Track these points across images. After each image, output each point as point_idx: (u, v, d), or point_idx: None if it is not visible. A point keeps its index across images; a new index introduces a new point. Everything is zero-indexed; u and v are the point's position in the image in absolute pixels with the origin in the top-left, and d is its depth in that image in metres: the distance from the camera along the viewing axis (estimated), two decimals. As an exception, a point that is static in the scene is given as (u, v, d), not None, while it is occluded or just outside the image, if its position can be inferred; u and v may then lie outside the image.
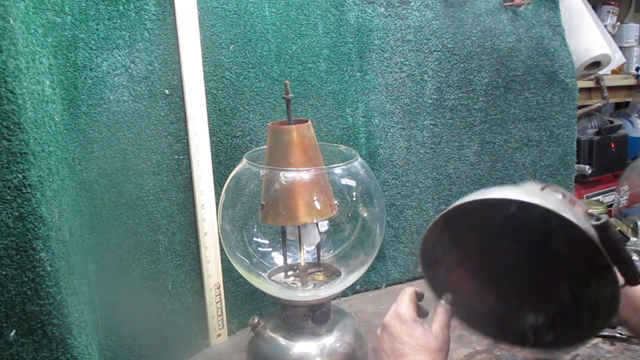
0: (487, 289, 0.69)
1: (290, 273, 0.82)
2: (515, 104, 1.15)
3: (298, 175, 0.72)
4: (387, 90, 1.06)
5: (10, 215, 0.51)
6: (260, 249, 0.82)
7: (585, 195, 1.51)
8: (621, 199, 1.21)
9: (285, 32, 0.93)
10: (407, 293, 0.67)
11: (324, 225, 0.78)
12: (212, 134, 0.86)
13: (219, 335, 0.91)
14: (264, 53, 0.91)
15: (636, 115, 1.80)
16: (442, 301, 0.66)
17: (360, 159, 0.77)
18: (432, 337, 0.62)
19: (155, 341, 0.83)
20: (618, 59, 1.62)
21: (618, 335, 0.88)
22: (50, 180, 0.57)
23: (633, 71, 1.71)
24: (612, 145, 1.59)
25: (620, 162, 1.60)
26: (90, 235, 0.73)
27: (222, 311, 0.90)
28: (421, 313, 0.66)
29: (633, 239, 1.18)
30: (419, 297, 0.68)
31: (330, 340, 0.76)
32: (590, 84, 1.47)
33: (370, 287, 1.08)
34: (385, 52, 1.04)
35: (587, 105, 1.48)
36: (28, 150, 0.52)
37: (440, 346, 0.62)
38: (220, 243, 0.85)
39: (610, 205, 1.38)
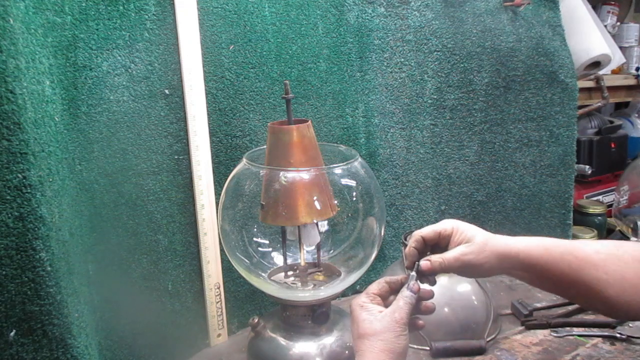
0: None
1: (290, 273, 0.82)
2: (515, 104, 1.15)
3: (298, 175, 0.71)
4: (387, 90, 1.06)
5: (10, 215, 0.51)
6: (260, 249, 0.82)
7: (585, 195, 1.51)
8: (621, 199, 1.21)
9: (285, 32, 0.93)
10: (375, 282, 0.65)
11: (324, 225, 0.78)
12: (212, 134, 0.86)
13: (219, 335, 0.91)
14: (264, 53, 0.91)
15: (636, 115, 1.80)
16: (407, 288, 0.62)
17: (360, 159, 0.77)
18: (371, 323, 0.59)
19: (155, 341, 0.83)
20: (618, 59, 1.61)
21: (618, 335, 0.88)
22: (50, 180, 0.57)
23: (633, 71, 1.71)
24: (612, 145, 1.59)
25: (620, 162, 1.60)
26: (90, 235, 0.73)
27: (222, 311, 0.90)
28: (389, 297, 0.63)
29: (633, 238, 1.18)
30: (390, 283, 0.64)
31: (330, 340, 0.76)
32: (590, 84, 1.47)
33: (370, 287, 1.08)
34: (385, 52, 1.04)
35: (587, 105, 1.48)
36: (28, 150, 0.52)
37: (378, 330, 0.58)
38: (220, 243, 0.85)
39: (610, 205, 1.38)
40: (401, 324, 0.58)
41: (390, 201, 1.10)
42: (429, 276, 0.64)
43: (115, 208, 0.77)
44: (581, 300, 0.62)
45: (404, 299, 0.60)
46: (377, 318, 0.59)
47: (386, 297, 0.63)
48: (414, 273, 0.62)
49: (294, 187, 0.71)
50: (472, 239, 0.62)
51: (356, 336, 0.59)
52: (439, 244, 0.65)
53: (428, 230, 0.65)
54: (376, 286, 0.63)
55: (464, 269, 0.62)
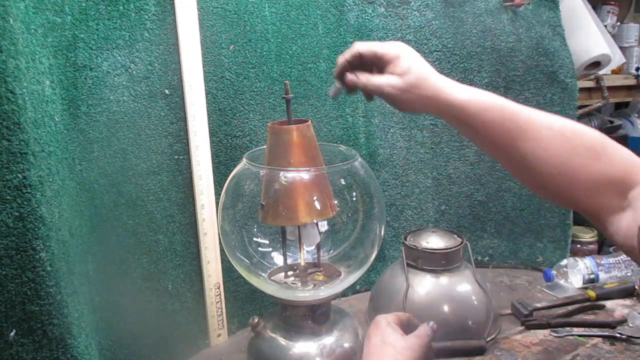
0: None
1: (290, 273, 0.82)
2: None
3: (298, 175, 0.71)
4: (387, 90, 1.06)
5: (10, 215, 0.51)
6: (260, 249, 0.82)
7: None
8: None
9: (285, 32, 0.93)
10: (405, 314, 0.69)
11: (324, 225, 0.78)
12: (212, 134, 0.86)
13: (219, 335, 0.91)
14: (264, 53, 0.91)
15: (636, 115, 1.80)
16: None
17: (360, 159, 0.77)
18: (397, 338, 0.62)
19: (155, 341, 0.83)
20: (618, 59, 1.61)
21: (618, 335, 0.88)
22: (50, 180, 0.57)
23: (633, 71, 1.71)
24: (612, 145, 1.58)
25: (620, 162, 1.59)
26: (90, 235, 0.73)
27: (222, 311, 0.90)
28: (406, 330, 0.66)
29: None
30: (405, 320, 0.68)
31: (330, 340, 0.76)
32: (590, 84, 1.47)
33: (370, 287, 1.08)
34: (385, 52, 1.04)
35: (587, 105, 1.48)
36: (28, 150, 0.52)
37: (403, 346, 0.62)
38: (220, 243, 0.85)
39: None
40: (423, 348, 0.62)
41: (390, 201, 1.10)
42: (366, 94, 0.65)
43: (115, 208, 0.77)
44: (511, 168, 0.59)
45: (425, 329, 0.64)
46: (403, 337, 0.63)
47: (406, 331, 0.65)
48: (337, 82, 0.65)
49: (294, 187, 0.71)
50: (404, 74, 0.60)
51: (379, 343, 0.62)
52: (378, 66, 0.63)
53: (368, 48, 0.63)
54: (405, 317, 0.67)
55: (386, 100, 0.62)
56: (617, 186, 0.54)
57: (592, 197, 0.54)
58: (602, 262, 1.06)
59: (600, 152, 0.54)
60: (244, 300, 0.95)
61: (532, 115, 0.57)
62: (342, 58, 0.65)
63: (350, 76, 0.63)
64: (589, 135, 0.56)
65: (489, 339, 0.87)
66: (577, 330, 0.91)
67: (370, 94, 0.64)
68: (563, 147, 0.55)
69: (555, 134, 0.56)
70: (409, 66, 0.60)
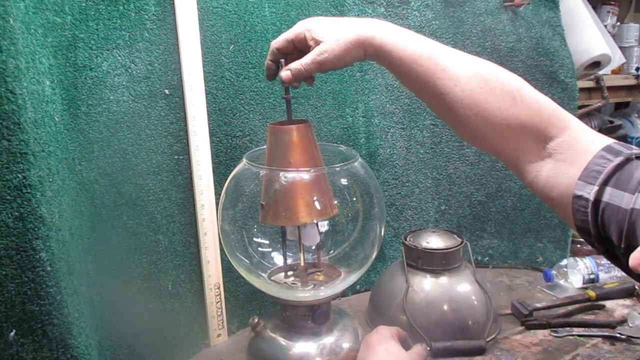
0: None
1: (290, 273, 0.82)
2: (515, 104, 1.14)
3: (298, 175, 0.71)
4: (387, 90, 1.06)
5: (10, 215, 0.51)
6: (260, 249, 0.82)
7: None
8: (621, 199, 1.21)
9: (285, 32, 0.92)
10: (395, 327, 0.73)
11: (324, 225, 0.78)
12: (212, 134, 0.86)
13: (219, 335, 0.91)
14: (264, 53, 0.90)
15: (636, 115, 1.80)
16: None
17: (360, 159, 0.77)
18: (405, 353, 0.68)
19: (155, 341, 0.83)
20: (618, 59, 1.61)
21: (618, 335, 0.88)
22: (50, 180, 0.57)
23: (633, 71, 1.71)
24: (612, 146, 1.58)
25: (620, 162, 1.59)
26: (90, 235, 0.73)
27: (222, 311, 0.90)
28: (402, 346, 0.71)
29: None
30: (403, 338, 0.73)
31: (330, 340, 0.76)
32: (590, 84, 1.47)
33: (370, 287, 1.08)
34: (385, 52, 1.04)
35: (587, 105, 1.47)
36: (28, 150, 0.52)
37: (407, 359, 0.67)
38: (220, 243, 0.85)
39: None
40: None
41: (390, 201, 1.10)
42: (303, 81, 0.66)
43: (115, 208, 0.77)
44: (434, 108, 0.61)
45: (421, 349, 0.71)
46: (406, 352, 0.69)
47: (402, 346, 0.71)
48: (285, 84, 0.65)
49: (294, 187, 0.71)
50: (324, 38, 0.62)
51: (383, 352, 0.67)
52: (302, 50, 0.65)
53: (280, 40, 0.65)
54: (404, 334, 0.74)
55: (327, 66, 0.62)
56: (533, 134, 0.54)
57: (509, 142, 0.55)
58: (602, 262, 1.06)
59: (517, 97, 0.55)
60: (244, 300, 0.95)
61: (453, 55, 0.59)
62: (266, 61, 0.67)
63: (284, 74, 0.65)
64: (508, 79, 0.57)
65: (489, 339, 0.87)
66: (577, 330, 0.91)
67: (320, 70, 0.64)
68: (480, 89, 0.55)
69: (473, 75, 0.56)
70: (322, 31, 0.62)
